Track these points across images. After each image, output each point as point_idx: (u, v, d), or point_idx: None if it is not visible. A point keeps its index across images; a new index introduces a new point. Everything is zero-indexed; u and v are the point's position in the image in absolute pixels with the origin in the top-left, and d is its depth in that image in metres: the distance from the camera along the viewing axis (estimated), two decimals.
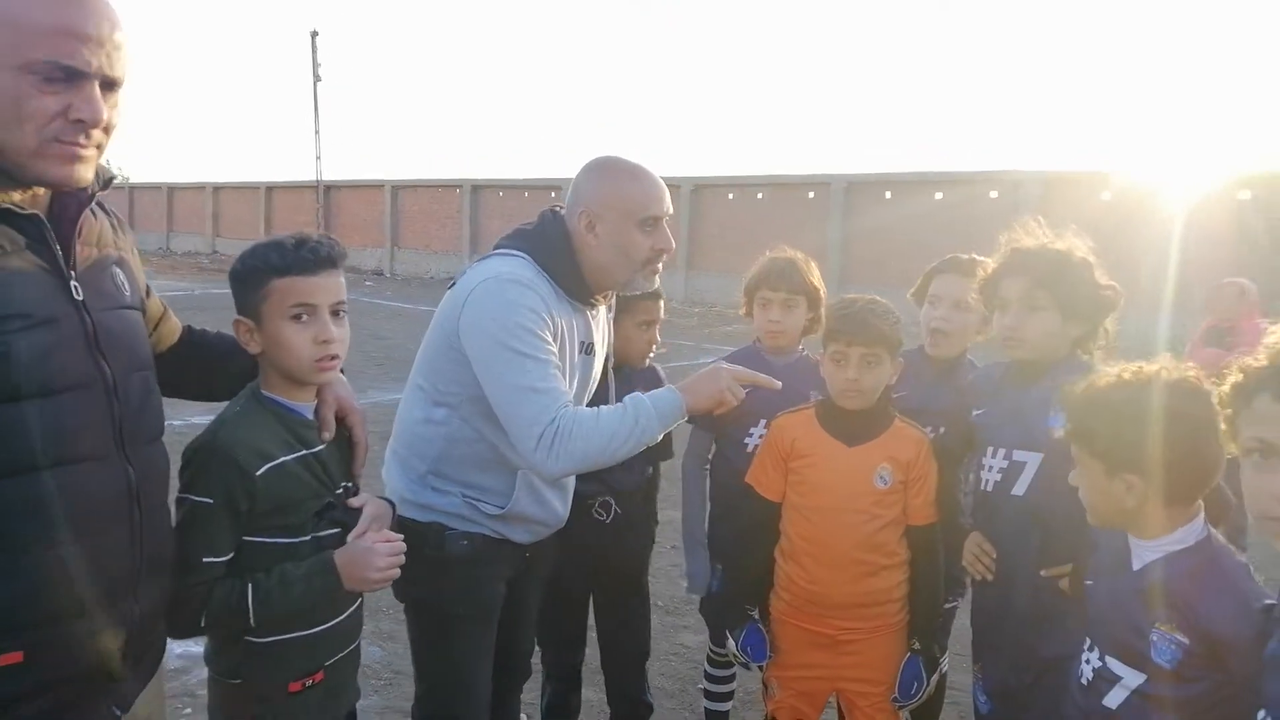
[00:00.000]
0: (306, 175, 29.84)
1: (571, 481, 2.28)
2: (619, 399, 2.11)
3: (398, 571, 1.70)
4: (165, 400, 1.53)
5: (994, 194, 16.48)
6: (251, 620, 1.57)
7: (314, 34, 30.03)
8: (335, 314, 1.65)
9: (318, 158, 29.43)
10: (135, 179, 38.70)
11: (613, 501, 2.61)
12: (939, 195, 17.26)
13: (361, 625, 1.81)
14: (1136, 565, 1.64)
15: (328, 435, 1.70)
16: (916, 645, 2.28)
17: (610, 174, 2.08)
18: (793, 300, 2.64)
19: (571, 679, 2.78)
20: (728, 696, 2.98)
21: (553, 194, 23.46)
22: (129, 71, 1.28)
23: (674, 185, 21.76)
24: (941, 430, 2.45)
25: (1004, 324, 2.15)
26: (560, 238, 2.06)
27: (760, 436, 2.56)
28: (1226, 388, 1.30)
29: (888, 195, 18.07)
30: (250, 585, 1.57)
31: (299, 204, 29.91)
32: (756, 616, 2.36)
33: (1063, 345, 2.11)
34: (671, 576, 4.15)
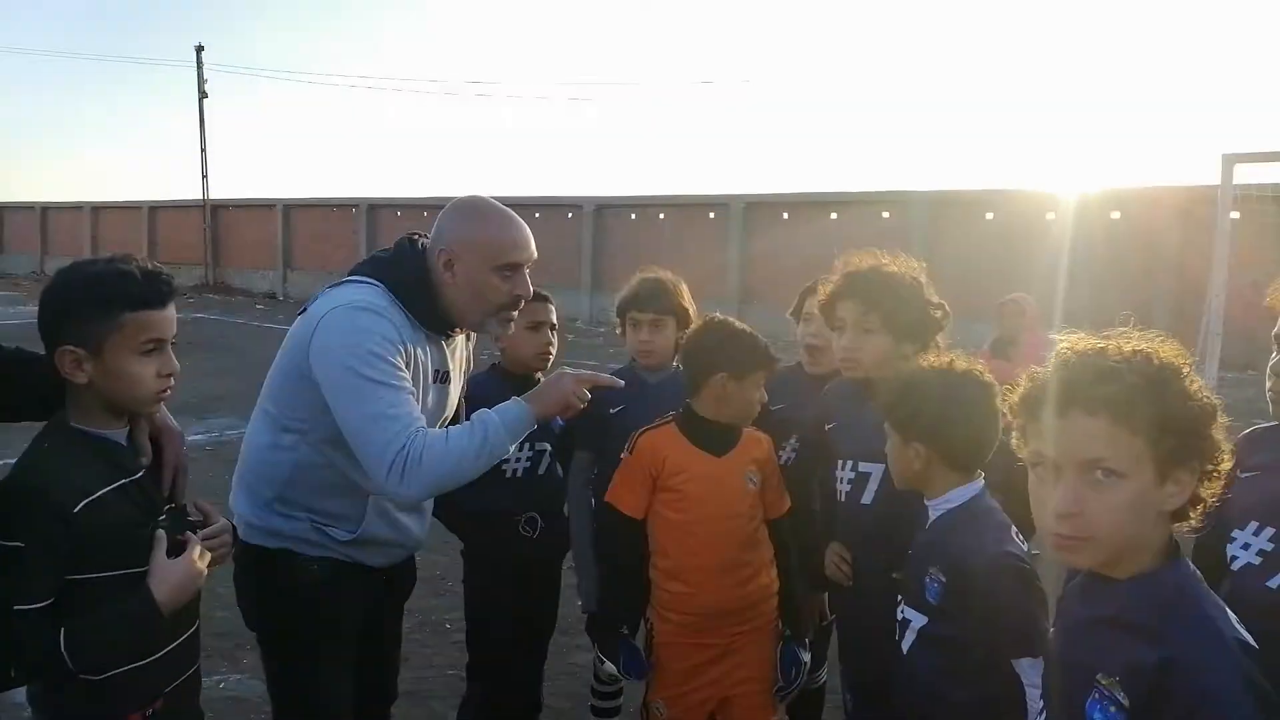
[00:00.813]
0: (193, 194, 28.74)
1: (429, 504, 2.20)
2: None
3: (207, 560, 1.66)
4: None
5: (885, 214, 16.98)
6: (70, 667, 1.49)
7: (199, 48, 29.00)
8: (173, 344, 1.65)
9: (204, 176, 28.36)
10: (5, 198, 36.57)
11: (538, 517, 2.67)
12: (834, 215, 17.70)
13: (198, 647, 1.76)
14: (927, 523, 1.91)
15: (144, 460, 1.67)
16: (788, 633, 2.38)
17: (473, 216, 2.07)
18: (661, 320, 2.69)
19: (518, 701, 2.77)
20: (615, 711, 3.00)
21: None
22: None
23: (577, 205, 21.98)
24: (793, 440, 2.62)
25: (841, 345, 2.25)
26: (417, 268, 2.04)
27: None
28: (1016, 399, 1.28)
29: (785, 216, 18.43)
30: (62, 632, 1.48)
31: (184, 224, 28.76)
32: (627, 633, 2.35)
33: (898, 363, 2.15)
34: (565, 596, 4.04)
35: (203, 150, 28.59)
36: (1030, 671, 1.68)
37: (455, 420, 2.22)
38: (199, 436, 7.63)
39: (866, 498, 2.19)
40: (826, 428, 2.38)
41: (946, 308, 2.26)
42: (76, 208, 32.45)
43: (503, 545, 2.64)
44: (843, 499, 2.26)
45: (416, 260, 2.04)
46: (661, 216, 20.13)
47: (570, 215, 20.61)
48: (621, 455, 2.40)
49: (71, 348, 1.54)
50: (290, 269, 26.30)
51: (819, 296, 2.38)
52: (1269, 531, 1.67)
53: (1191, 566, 1.22)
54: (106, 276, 1.59)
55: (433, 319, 2.03)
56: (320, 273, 25.55)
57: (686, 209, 19.89)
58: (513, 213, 2.09)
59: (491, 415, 1.93)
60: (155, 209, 29.95)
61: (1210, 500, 1.20)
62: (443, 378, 2.12)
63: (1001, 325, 5.52)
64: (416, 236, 2.11)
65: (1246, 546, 1.70)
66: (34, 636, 1.48)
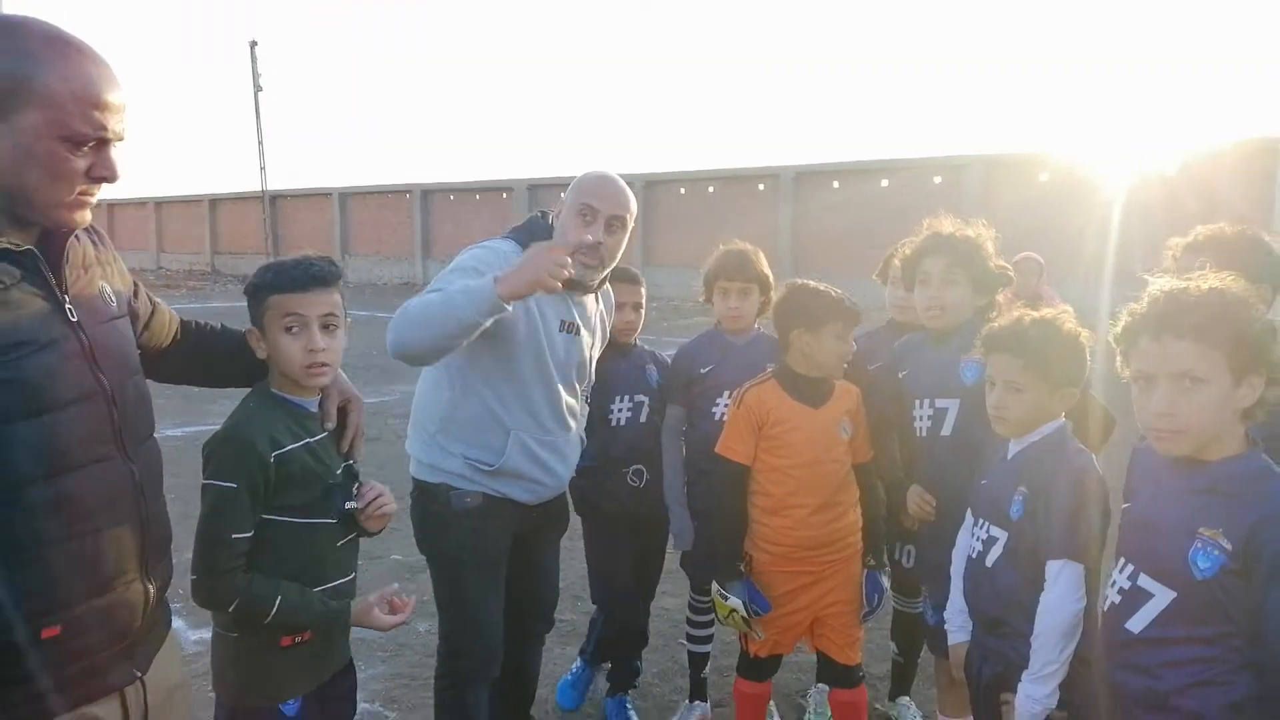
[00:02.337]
0: (251, 186, 29.52)
1: (573, 449, 2.51)
2: (626, 374, 2.94)
3: (399, 619, 1.96)
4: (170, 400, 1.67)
5: (938, 179, 16.93)
6: (269, 621, 1.79)
7: (253, 44, 29.68)
8: (325, 327, 1.84)
9: (262, 168, 29.12)
10: None
11: (644, 469, 2.98)
12: (885, 182, 17.67)
13: (353, 595, 1.98)
14: (1008, 454, 2.11)
15: (329, 425, 1.92)
16: (871, 562, 2.64)
17: (583, 176, 2.44)
18: (747, 288, 2.96)
19: (633, 641, 3.16)
20: (708, 639, 3.24)
21: (504, 195, 23.53)
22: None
23: (627, 182, 22.09)
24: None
25: (928, 295, 2.51)
26: (541, 228, 2.43)
27: (726, 406, 2.83)
28: (1119, 329, 1.63)
29: (835, 184, 18.45)
30: (279, 597, 1.79)
31: (245, 215, 29.58)
32: (745, 572, 2.59)
33: (969, 313, 2.48)
34: None
35: (259, 142, 29.36)
36: (1063, 575, 1.90)
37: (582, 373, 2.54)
38: None
39: (946, 429, 2.45)
40: (900, 375, 2.63)
41: (1009, 269, 2.57)
42: (140, 203, 33.50)
43: (612, 495, 2.94)
44: (923, 434, 2.50)
45: (541, 223, 2.43)
46: (711, 190, 20.26)
47: None
48: (729, 409, 2.68)
49: (253, 328, 1.86)
50: (348, 255, 26.95)
51: (901, 254, 2.65)
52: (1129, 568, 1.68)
53: (1264, 456, 1.57)
54: (262, 268, 1.89)
55: None
56: (377, 258, 26.17)
57: (736, 181, 19.99)
58: (607, 173, 2.42)
59: (459, 287, 2.09)
60: (216, 201, 30.82)
61: (1274, 400, 1.55)
62: (568, 328, 2.41)
63: (1019, 281, 5.75)
64: (547, 210, 2.47)
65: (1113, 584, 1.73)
66: (257, 586, 1.77)
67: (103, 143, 1.38)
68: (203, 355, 1.91)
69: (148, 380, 1.68)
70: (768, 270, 3.03)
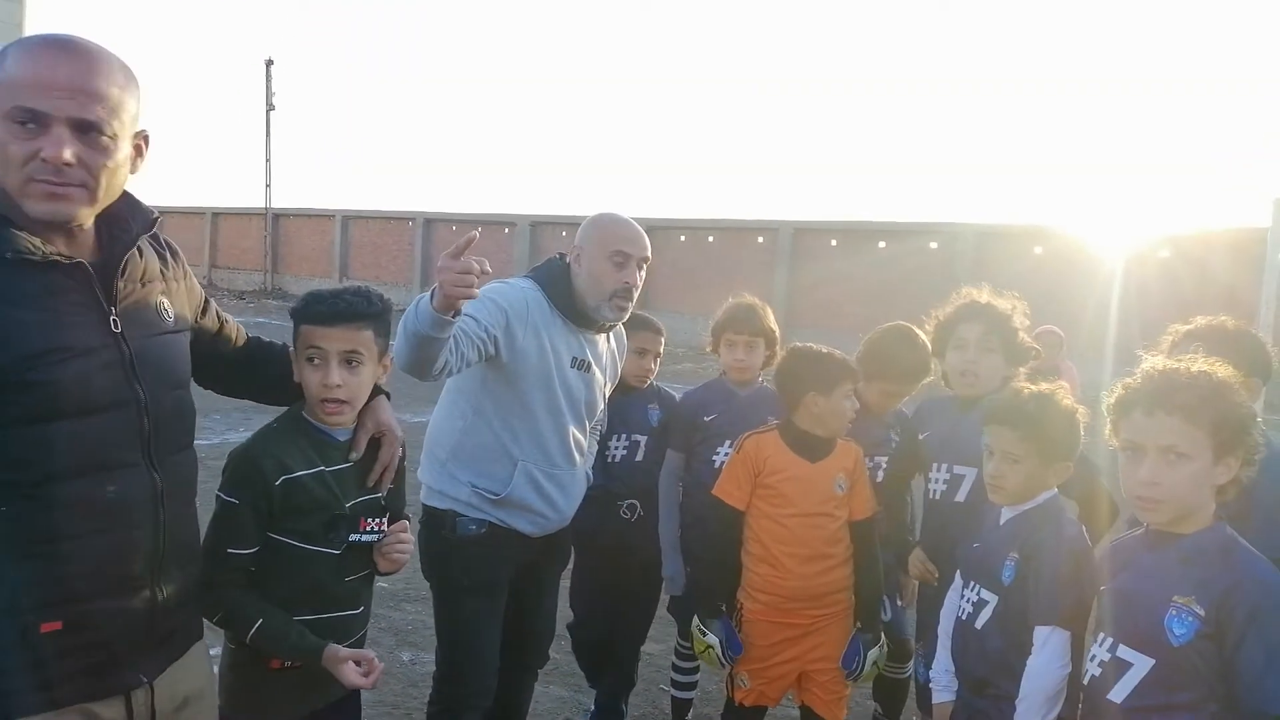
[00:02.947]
0: (255, 202, 29.63)
1: (578, 485, 2.58)
2: (627, 412, 3.00)
3: (364, 681, 1.82)
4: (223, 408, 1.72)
5: (933, 245, 17.15)
6: (247, 640, 1.80)
7: (269, 62, 30.00)
8: (348, 363, 1.83)
9: (268, 185, 29.26)
10: None
11: (637, 504, 3.05)
12: (882, 244, 17.89)
13: (362, 629, 1.98)
14: (1000, 519, 2.18)
15: (354, 455, 1.90)
16: (859, 625, 2.66)
17: (597, 219, 2.54)
18: (754, 342, 3.06)
19: (595, 660, 3.26)
20: (692, 686, 3.29)
21: (506, 230, 23.69)
22: (127, 117, 1.46)
23: None
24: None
25: (963, 359, 2.58)
26: (559, 270, 2.49)
27: (727, 454, 2.91)
28: (1113, 399, 1.75)
29: (833, 242, 18.66)
30: (260, 620, 1.79)
31: (246, 231, 29.65)
32: (726, 613, 2.64)
33: (999, 383, 2.54)
34: None
35: (267, 160, 29.53)
36: (1050, 641, 1.95)
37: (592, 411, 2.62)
38: None
39: (960, 495, 2.52)
40: (920, 437, 2.71)
41: (1036, 346, 2.68)
42: None
43: (602, 522, 2.98)
44: (936, 497, 2.58)
45: (560, 265, 2.51)
46: (710, 239, 20.48)
47: None
48: (729, 454, 2.77)
49: (292, 350, 1.88)
50: (346, 278, 26.99)
51: (932, 321, 2.71)
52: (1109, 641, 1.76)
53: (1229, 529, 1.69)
54: (308, 295, 1.90)
55: (569, 308, 2.44)
56: (375, 283, 26.24)
57: (735, 232, 20.21)
58: (627, 218, 2.52)
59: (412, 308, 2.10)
60: (218, 215, 30.90)
61: (1245, 480, 1.67)
62: (581, 365, 2.49)
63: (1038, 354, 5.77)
64: (564, 253, 2.55)
65: (1093, 658, 1.79)
66: (240, 606, 1.78)
67: (46, 120, 1.37)
68: (259, 371, 1.94)
69: (219, 393, 1.80)
70: (775, 325, 3.13)
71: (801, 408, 2.64)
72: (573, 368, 2.46)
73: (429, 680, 2.62)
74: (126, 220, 1.55)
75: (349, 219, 27.28)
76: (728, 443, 2.96)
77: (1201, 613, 1.58)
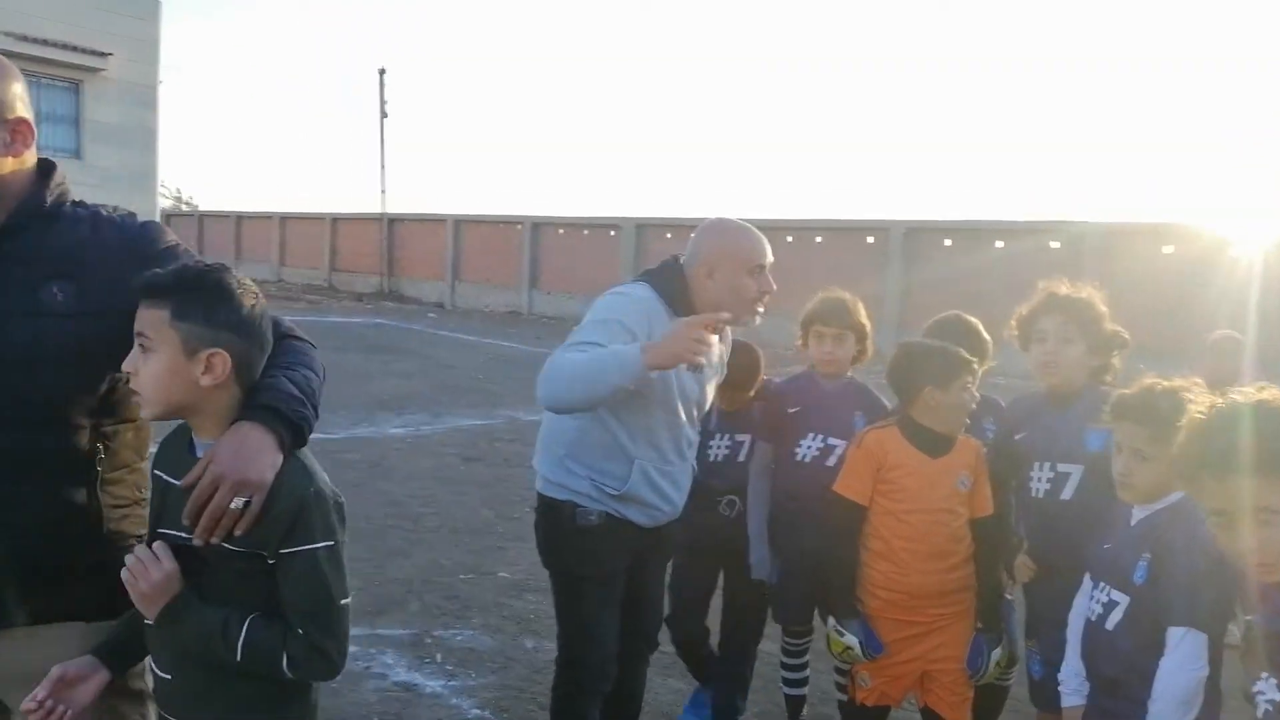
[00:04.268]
0: (371, 207, 30.81)
1: (688, 479, 2.63)
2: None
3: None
4: None
5: (1055, 244, 16.53)
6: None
7: (382, 71, 31.21)
8: (140, 347, 1.48)
9: (383, 191, 30.43)
10: (205, 207, 40.20)
11: (736, 499, 3.06)
12: (999, 244, 17.35)
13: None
14: (1131, 519, 2.13)
15: (183, 483, 1.48)
16: (980, 625, 2.63)
17: (727, 233, 2.55)
18: (843, 335, 3.06)
19: (698, 655, 3.31)
20: (803, 683, 3.28)
21: (612, 232, 23.97)
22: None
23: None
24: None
25: (1043, 351, 2.57)
26: (678, 278, 2.51)
27: (809, 447, 2.99)
28: None
29: (947, 243, 18.21)
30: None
31: (363, 235, 30.81)
32: (863, 612, 2.63)
33: (1084, 374, 2.54)
34: None
35: (382, 166, 30.74)
36: (1185, 642, 1.89)
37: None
38: (399, 430, 8.39)
39: (1067, 493, 2.48)
40: (1016, 437, 2.68)
41: (1124, 333, 2.62)
42: (267, 217, 35.29)
43: (702, 516, 2.99)
44: (1039, 495, 2.54)
45: (677, 270, 2.52)
46: (819, 240, 20.24)
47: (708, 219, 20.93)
48: (850, 450, 2.76)
49: None
50: (458, 280, 27.79)
51: (1018, 314, 2.69)
52: None
53: None
54: None
55: (687, 314, 2.40)
56: (485, 285, 26.90)
57: (844, 233, 19.93)
58: (752, 226, 2.56)
59: (608, 352, 2.21)
60: (337, 220, 32.24)
61: None
62: (695, 366, 2.46)
63: (1218, 363, 4.89)
64: (678, 256, 2.58)
65: None
66: (344, 627, 1.51)
67: None
68: None
69: None
70: (865, 319, 3.11)
71: (919, 402, 2.61)
72: (688, 369, 2.46)
73: (551, 667, 2.69)
74: (8, 201, 1.58)
75: (460, 223, 28.03)
76: (811, 435, 3.00)
77: None
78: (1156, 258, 15.06)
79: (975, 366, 2.65)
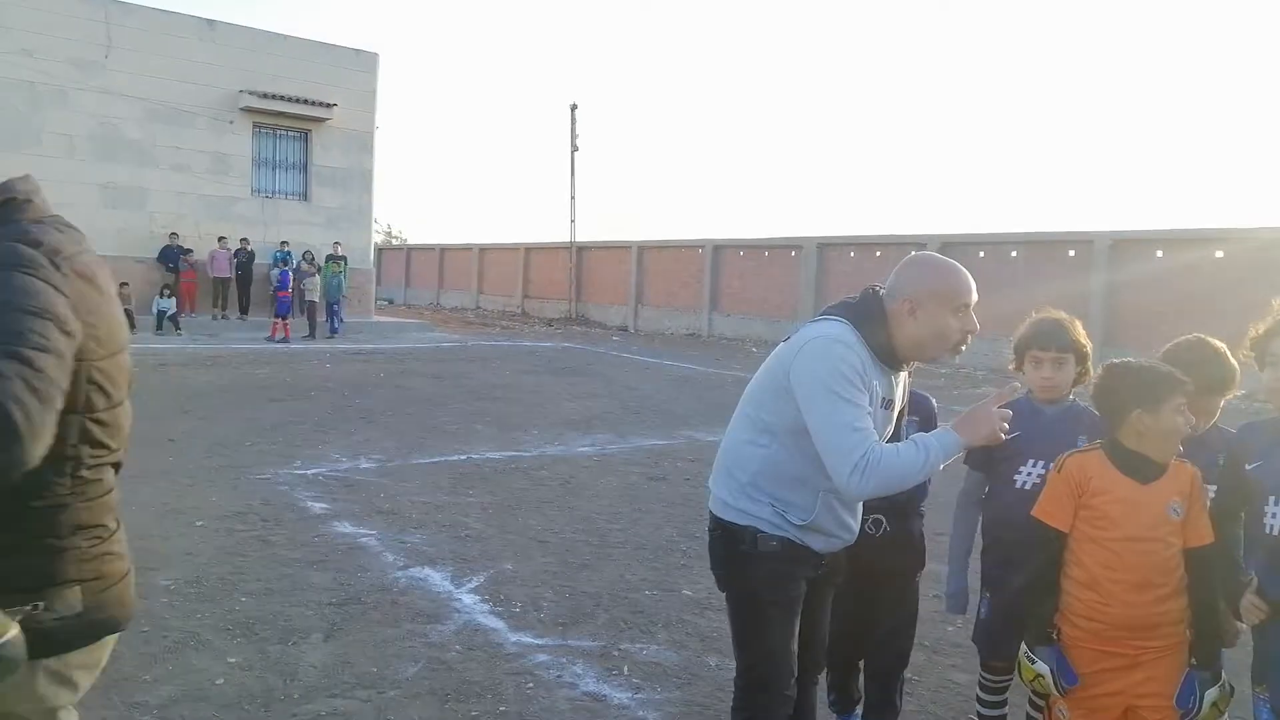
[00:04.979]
0: (561, 237, 32.10)
1: (860, 506, 2.62)
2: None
3: None
4: None
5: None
6: None
7: (573, 107, 32.52)
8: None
9: (572, 221, 31.62)
10: (412, 241, 43.01)
11: (884, 519, 3.01)
12: (1219, 254, 15.90)
13: None
14: None
15: None
16: (1194, 662, 2.46)
17: (932, 269, 2.49)
18: (1063, 358, 2.93)
19: (845, 682, 3.26)
20: (1002, 718, 3.15)
21: (793, 253, 23.84)
22: None
23: (919, 243, 21.70)
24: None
25: (1276, 376, 2.39)
26: (878, 313, 2.44)
27: (1030, 475, 2.86)
28: None
29: (1159, 254, 16.87)
30: None
31: (554, 263, 32.16)
32: (1058, 640, 2.53)
33: None
34: (934, 621, 4.26)
35: (572, 198, 31.96)
36: None
37: (894, 438, 2.60)
38: (587, 449, 8.72)
39: None
40: (1247, 467, 2.46)
41: None
42: (466, 248, 37.53)
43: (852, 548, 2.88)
44: (1274, 533, 2.36)
45: (877, 305, 2.45)
46: (1014, 254, 19.27)
47: (912, 252, 20.31)
48: (1032, 474, 2.69)
49: None
50: (641, 304, 28.46)
51: (1253, 332, 2.49)
52: None
53: None
54: None
55: (888, 355, 2.43)
56: (667, 308, 27.42)
57: (1043, 246, 18.88)
58: (956, 263, 2.49)
59: (930, 439, 2.29)
60: (530, 250, 33.83)
61: None
62: (887, 404, 2.49)
63: None
64: (877, 287, 2.53)
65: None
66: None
67: None
68: None
69: None
70: (1085, 339, 2.97)
71: (1126, 427, 2.48)
72: (883, 408, 2.47)
73: (732, 684, 2.71)
74: None
75: (644, 249, 28.73)
76: (1031, 462, 2.87)
77: None
78: None
79: (1190, 387, 2.49)
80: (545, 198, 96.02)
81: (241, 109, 20.95)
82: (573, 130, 32.55)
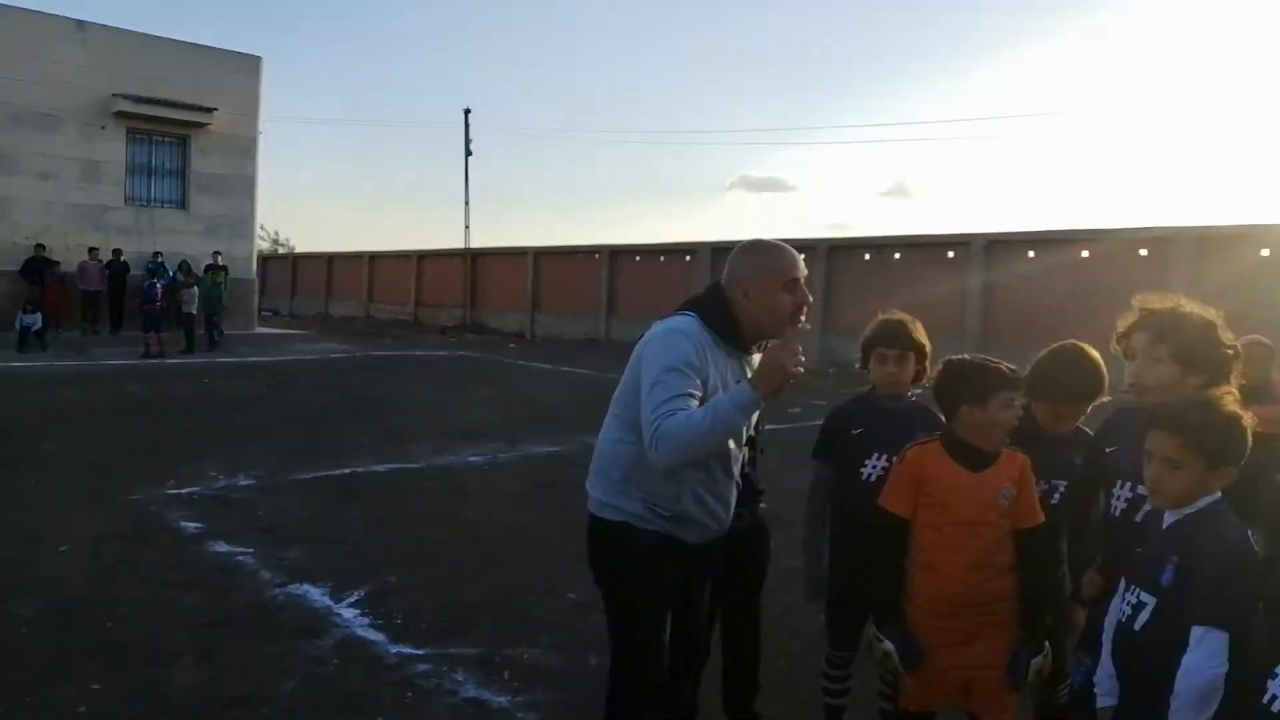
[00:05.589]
0: (456, 243, 31.73)
1: (733, 495, 2.72)
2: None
3: None
4: None
5: (1143, 252, 16.02)
6: None
7: (467, 111, 32.25)
8: None
9: (466, 227, 31.33)
10: (301, 249, 41.77)
11: (745, 513, 3.08)
12: (1085, 254, 16.90)
13: None
14: (1166, 524, 2.16)
15: None
16: (1022, 635, 2.66)
17: (758, 253, 2.64)
18: (905, 356, 3.13)
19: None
20: (845, 693, 3.33)
21: (687, 257, 24.18)
22: None
23: (809, 247, 22.21)
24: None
25: (1131, 371, 2.54)
26: (720, 302, 2.61)
27: (874, 467, 3.06)
28: None
29: (1030, 254, 17.81)
30: None
31: (448, 270, 31.75)
32: (903, 622, 2.69)
33: (1184, 392, 2.38)
34: (807, 611, 4.42)
35: (466, 203, 31.72)
36: (1206, 640, 1.93)
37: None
38: (478, 458, 8.67)
39: (1139, 517, 2.46)
40: (1107, 450, 2.66)
41: (1239, 348, 2.48)
42: (356, 256, 36.67)
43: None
44: (1116, 515, 2.55)
45: (720, 295, 2.62)
46: (897, 256, 20.02)
47: (803, 257, 20.85)
48: (876, 466, 2.89)
49: None
50: (538, 311, 28.37)
51: (1119, 329, 2.63)
52: None
53: None
54: None
55: (735, 339, 2.57)
56: (564, 314, 27.40)
57: (923, 248, 19.68)
58: (783, 243, 2.64)
59: (723, 398, 2.37)
60: (423, 257, 33.30)
61: None
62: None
63: (1248, 369, 4.81)
64: (720, 280, 2.67)
65: None
66: None
67: None
68: None
69: None
70: (925, 339, 3.17)
71: (958, 420, 2.67)
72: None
73: None
74: None
75: (540, 255, 28.66)
76: (875, 455, 3.05)
77: None
78: (1250, 261, 14.47)
79: (1018, 380, 2.68)
80: (439, 204, 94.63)
81: (114, 113, 19.99)
82: (466, 135, 32.27)
